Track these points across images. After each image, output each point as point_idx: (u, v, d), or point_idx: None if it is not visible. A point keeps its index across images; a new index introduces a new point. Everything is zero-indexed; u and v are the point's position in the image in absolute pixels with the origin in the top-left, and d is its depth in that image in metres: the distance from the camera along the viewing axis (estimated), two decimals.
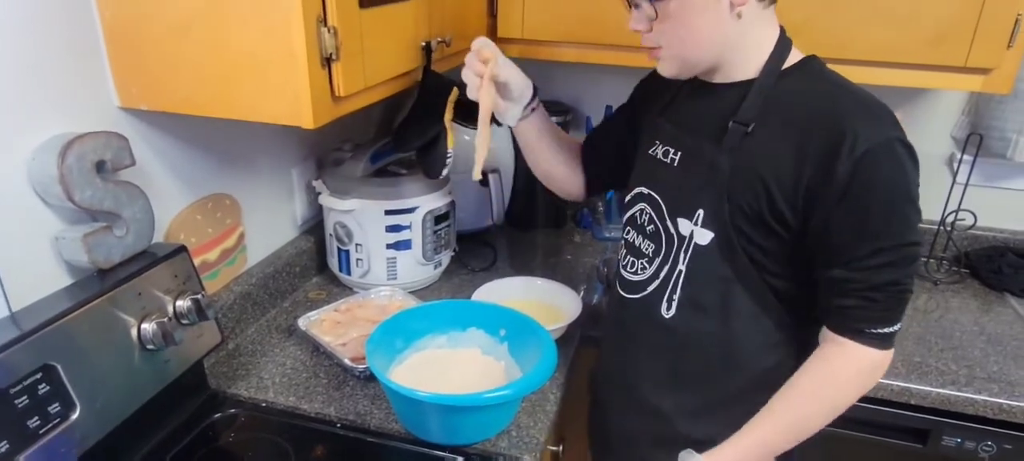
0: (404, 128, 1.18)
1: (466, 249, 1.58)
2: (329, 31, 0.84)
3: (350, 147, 1.40)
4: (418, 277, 1.38)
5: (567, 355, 1.20)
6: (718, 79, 0.89)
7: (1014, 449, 1.15)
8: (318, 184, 1.34)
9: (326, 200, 1.29)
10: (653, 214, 0.95)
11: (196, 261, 1.10)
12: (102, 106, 0.91)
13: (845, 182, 0.77)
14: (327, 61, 0.85)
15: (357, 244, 1.32)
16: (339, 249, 1.35)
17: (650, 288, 0.95)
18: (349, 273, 1.36)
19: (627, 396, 1.03)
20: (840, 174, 0.77)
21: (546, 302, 1.30)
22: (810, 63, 0.86)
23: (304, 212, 1.41)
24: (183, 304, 0.93)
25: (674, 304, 0.92)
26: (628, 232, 1.02)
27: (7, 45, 0.79)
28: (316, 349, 1.17)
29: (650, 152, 0.98)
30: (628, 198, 1.02)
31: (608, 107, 1.67)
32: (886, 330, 0.83)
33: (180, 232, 1.07)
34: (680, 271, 0.91)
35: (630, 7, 0.89)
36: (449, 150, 1.16)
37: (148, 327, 0.87)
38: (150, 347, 0.88)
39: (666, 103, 0.99)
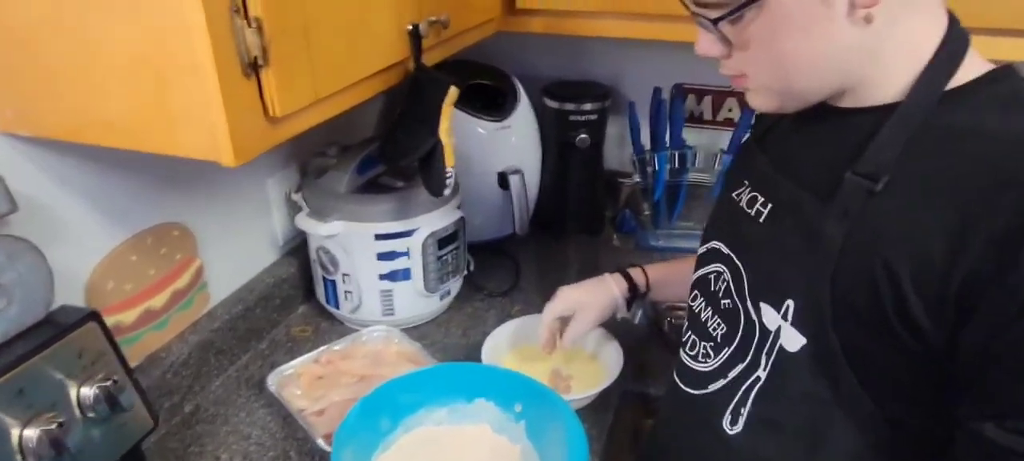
0: (391, 138, 0.92)
1: (483, 264, 1.33)
2: (250, 25, 0.58)
3: (336, 151, 1.15)
4: (420, 311, 1.14)
5: (603, 424, 0.94)
6: (846, 102, 0.59)
7: None
8: (298, 198, 1.10)
9: (303, 222, 1.05)
10: (732, 285, 0.67)
11: (135, 311, 0.88)
12: None
13: None
14: (252, 68, 0.60)
15: (344, 274, 1.08)
16: (325, 278, 1.11)
17: (713, 387, 0.68)
18: (338, 306, 1.12)
19: None
20: None
21: (579, 347, 1.04)
22: (1003, 81, 0.53)
23: (286, 229, 1.17)
24: (89, 392, 0.70)
25: (742, 419, 0.65)
26: (695, 298, 0.74)
27: None
28: (289, 415, 0.94)
29: (734, 195, 0.70)
30: (702, 250, 0.74)
31: (656, 90, 1.38)
32: None
33: (107, 281, 0.84)
34: (757, 377, 0.63)
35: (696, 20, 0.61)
36: (447, 169, 0.89)
37: (31, 434, 0.65)
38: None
39: (769, 124, 0.70)
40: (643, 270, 0.99)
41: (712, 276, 0.71)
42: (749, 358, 0.64)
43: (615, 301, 0.96)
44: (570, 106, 1.36)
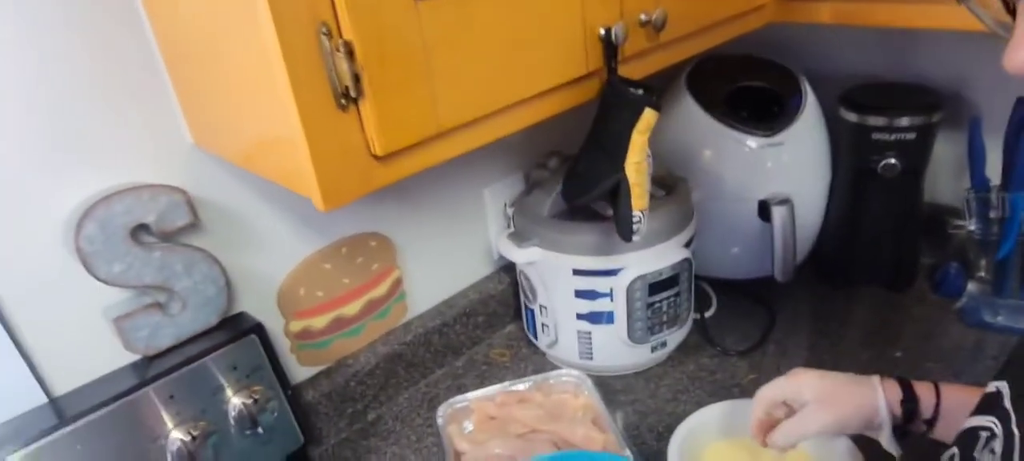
0: (573, 169, 0.76)
1: (731, 308, 1.09)
2: (340, 49, 0.48)
3: (557, 163, 1.02)
4: (626, 361, 0.96)
5: None
6: None
7: None
8: (511, 213, 1.01)
9: (503, 244, 0.95)
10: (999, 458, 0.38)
11: (326, 317, 0.90)
12: (175, 146, 0.73)
13: None
14: (346, 98, 0.50)
15: (542, 306, 0.96)
16: (526, 305, 1.01)
17: None
18: (536, 337, 1.01)
19: None
20: None
21: (802, 452, 0.75)
22: None
23: None
24: (236, 404, 0.72)
25: None
26: (953, 459, 0.45)
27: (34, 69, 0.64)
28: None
29: None
30: (989, 388, 0.45)
31: (1022, 102, 0.93)
32: None
33: (298, 288, 0.86)
34: None
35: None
36: (635, 213, 0.70)
37: (176, 438, 0.68)
38: None
39: None
40: (935, 388, 0.65)
41: (983, 434, 0.41)
42: None
43: (874, 410, 0.63)
44: (875, 120, 1.01)
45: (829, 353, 0.99)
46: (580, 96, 0.68)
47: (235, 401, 0.72)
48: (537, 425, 0.86)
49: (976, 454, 0.42)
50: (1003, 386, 0.42)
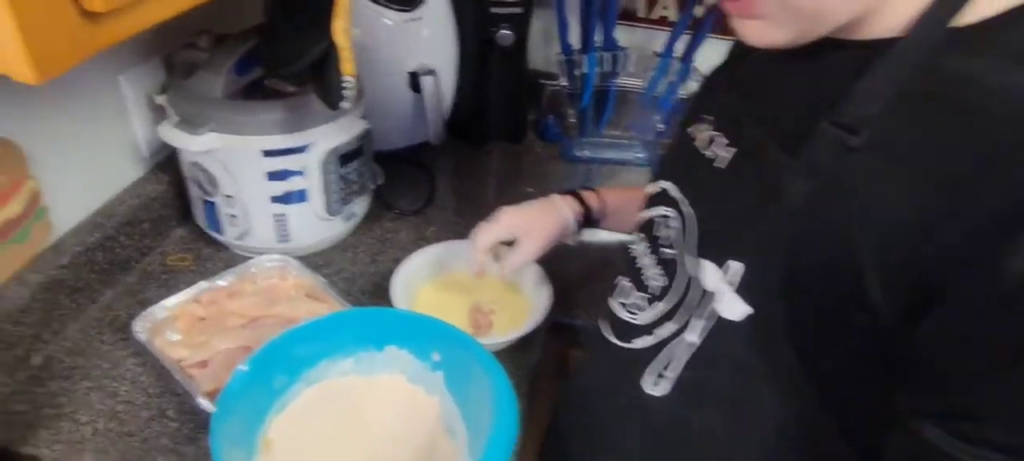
0: (272, 38, 0.74)
1: (393, 177, 1.18)
2: None
3: (208, 43, 0.94)
4: (322, 236, 0.99)
5: (529, 365, 0.86)
6: (841, 32, 0.46)
7: None
8: (163, 101, 0.90)
9: (168, 133, 0.86)
10: (677, 235, 0.57)
11: None
12: None
13: (1014, 285, 0.37)
14: None
15: (226, 196, 0.91)
16: (203, 199, 0.94)
17: (638, 343, 0.60)
18: (221, 232, 0.96)
19: None
20: (1008, 269, 0.37)
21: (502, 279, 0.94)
22: None
23: (151, 138, 0.97)
24: None
25: (666, 381, 0.58)
26: (639, 242, 0.64)
27: None
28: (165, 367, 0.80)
29: (689, 131, 0.59)
30: (651, 189, 0.64)
31: None
32: None
33: None
34: (690, 343, 0.55)
35: None
36: (346, 79, 0.73)
37: None
38: None
39: (742, 50, 0.58)
40: (598, 194, 0.88)
41: (659, 219, 0.62)
42: (680, 319, 0.56)
43: (566, 226, 0.84)
44: None
45: (481, 198, 1.19)
46: None
47: None
48: (257, 313, 0.85)
49: (655, 235, 0.61)
50: (668, 184, 0.62)
